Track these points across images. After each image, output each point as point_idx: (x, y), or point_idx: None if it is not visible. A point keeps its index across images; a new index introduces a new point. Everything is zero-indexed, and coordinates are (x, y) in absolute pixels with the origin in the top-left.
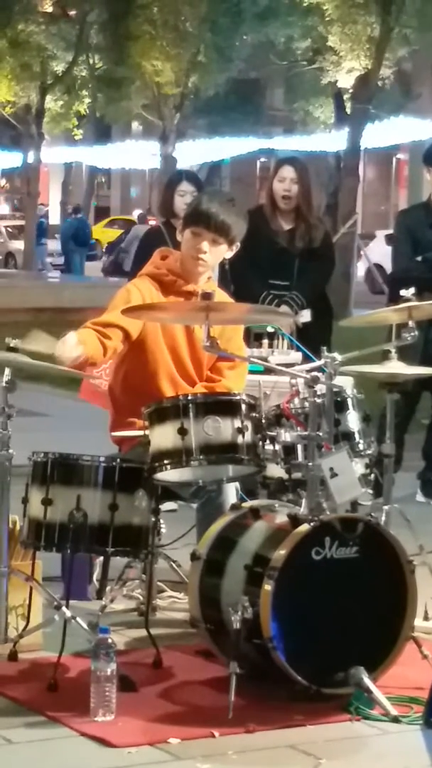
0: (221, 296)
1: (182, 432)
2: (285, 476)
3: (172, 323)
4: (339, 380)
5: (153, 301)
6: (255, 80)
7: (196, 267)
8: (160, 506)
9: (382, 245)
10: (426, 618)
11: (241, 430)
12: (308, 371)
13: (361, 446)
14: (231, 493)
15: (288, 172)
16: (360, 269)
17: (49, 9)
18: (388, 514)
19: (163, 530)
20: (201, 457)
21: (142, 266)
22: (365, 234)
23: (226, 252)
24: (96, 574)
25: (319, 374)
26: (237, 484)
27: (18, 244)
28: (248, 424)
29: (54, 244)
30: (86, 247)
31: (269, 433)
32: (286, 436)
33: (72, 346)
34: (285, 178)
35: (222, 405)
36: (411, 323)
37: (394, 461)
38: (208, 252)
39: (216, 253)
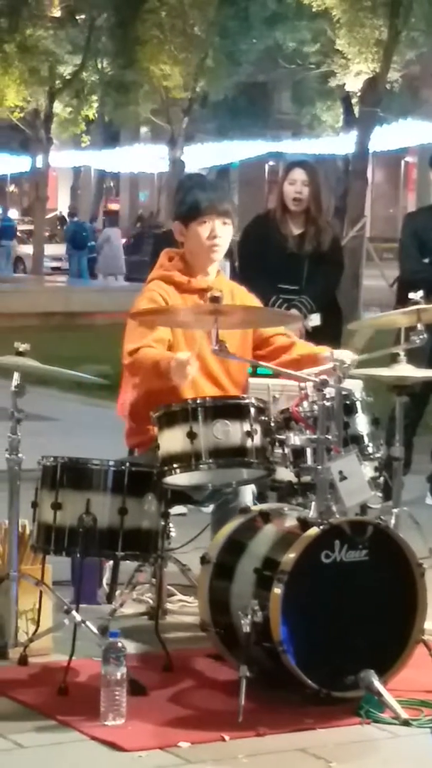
0: (239, 290)
1: (191, 436)
2: (294, 479)
3: (182, 327)
4: (348, 383)
5: (172, 301)
6: (263, 84)
7: (210, 254)
8: (170, 510)
9: None
10: None
11: (250, 434)
12: (317, 374)
13: (370, 449)
14: (248, 495)
15: (299, 174)
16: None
17: (57, 13)
18: (398, 517)
19: (172, 534)
20: (210, 460)
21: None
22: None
23: (230, 233)
24: (106, 578)
25: (328, 377)
26: (253, 486)
27: (27, 249)
28: (257, 427)
29: (56, 248)
30: (85, 250)
31: (278, 436)
32: (295, 439)
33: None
34: (296, 181)
35: (231, 408)
36: (420, 326)
37: (403, 464)
38: (221, 235)
39: (226, 235)
